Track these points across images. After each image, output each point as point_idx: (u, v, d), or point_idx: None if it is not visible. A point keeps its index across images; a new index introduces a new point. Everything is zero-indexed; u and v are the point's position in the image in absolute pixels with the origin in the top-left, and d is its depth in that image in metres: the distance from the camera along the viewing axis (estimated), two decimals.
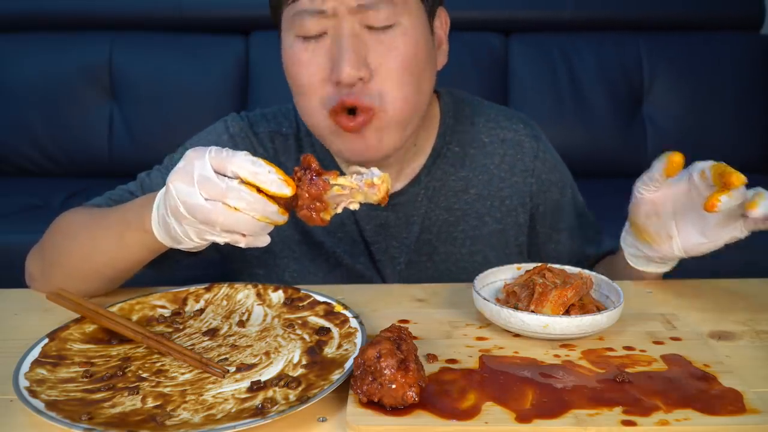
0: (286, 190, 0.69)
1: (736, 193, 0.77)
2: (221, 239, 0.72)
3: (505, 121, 1.08)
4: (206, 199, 0.69)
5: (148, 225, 0.79)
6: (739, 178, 0.76)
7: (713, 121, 2.41)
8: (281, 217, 0.71)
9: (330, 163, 1.02)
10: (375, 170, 0.72)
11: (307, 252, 1.05)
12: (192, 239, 0.74)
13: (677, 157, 0.81)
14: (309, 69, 0.89)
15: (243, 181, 0.69)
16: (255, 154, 1.04)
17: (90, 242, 0.88)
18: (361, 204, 0.73)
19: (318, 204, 0.71)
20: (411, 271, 1.05)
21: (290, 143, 1.06)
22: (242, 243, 0.73)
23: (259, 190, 0.69)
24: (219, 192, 0.68)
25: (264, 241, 0.74)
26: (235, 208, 0.69)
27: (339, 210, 0.74)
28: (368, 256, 1.05)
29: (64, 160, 2.40)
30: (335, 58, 0.87)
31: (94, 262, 0.88)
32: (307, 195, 0.71)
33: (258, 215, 0.70)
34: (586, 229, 1.13)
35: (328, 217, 0.72)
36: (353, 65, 0.86)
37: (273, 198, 0.69)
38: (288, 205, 0.71)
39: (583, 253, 1.11)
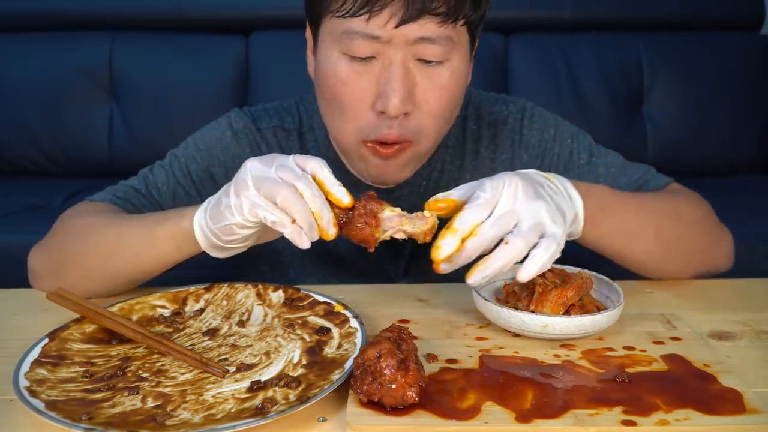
0: (346, 199, 0.75)
1: (458, 259, 0.74)
2: (271, 217, 0.74)
3: (488, 106, 1.09)
4: (278, 177, 0.74)
5: (186, 221, 0.82)
6: (434, 254, 0.74)
7: (713, 121, 2.41)
8: (331, 228, 0.75)
9: (331, 161, 1.02)
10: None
11: (311, 249, 1.05)
12: (242, 213, 0.75)
13: (430, 217, 0.77)
14: (354, 91, 0.87)
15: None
16: (259, 149, 1.04)
17: (116, 240, 0.88)
18: (406, 235, 0.76)
19: (372, 220, 0.76)
20: (414, 264, 1.05)
21: (293, 138, 1.06)
22: (287, 229, 0.74)
23: None
24: (293, 176, 0.74)
25: (304, 242, 0.75)
26: (301, 194, 0.73)
27: (386, 236, 0.77)
28: (372, 252, 1.05)
29: (64, 160, 2.39)
30: (383, 87, 0.85)
31: (117, 260, 0.88)
32: (363, 210, 0.76)
33: (315, 209, 0.74)
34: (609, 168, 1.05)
35: (378, 235, 0.76)
36: (402, 100, 0.85)
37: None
38: (340, 220, 0.76)
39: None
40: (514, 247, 0.72)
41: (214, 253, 0.83)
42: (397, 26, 0.82)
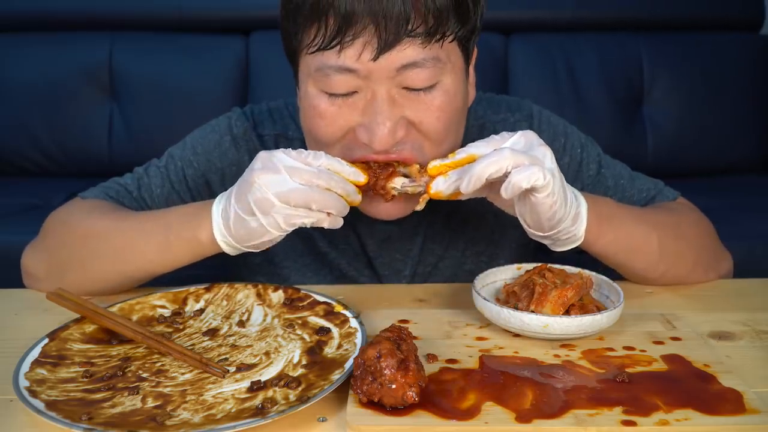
0: (361, 178, 0.79)
1: (452, 174, 0.77)
2: (309, 220, 0.76)
3: (493, 114, 1.05)
4: (299, 184, 0.74)
5: (204, 235, 0.81)
6: (429, 166, 0.79)
7: (713, 121, 2.41)
8: (357, 197, 0.79)
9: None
10: None
11: (311, 263, 1.04)
12: (279, 227, 0.77)
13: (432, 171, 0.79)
14: (333, 126, 0.83)
15: None
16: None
17: (127, 245, 0.87)
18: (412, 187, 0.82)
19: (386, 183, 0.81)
20: (416, 281, 1.04)
21: (296, 148, 1.04)
22: (326, 223, 0.77)
23: None
24: (312, 175, 0.74)
25: (339, 223, 0.78)
26: (327, 188, 0.75)
27: (397, 192, 0.82)
28: (371, 269, 1.04)
29: (64, 160, 2.39)
30: (368, 121, 0.80)
31: (128, 265, 0.88)
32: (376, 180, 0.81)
33: (342, 192, 0.77)
34: (618, 179, 1.04)
35: (391, 193, 0.82)
36: (390, 133, 0.80)
37: None
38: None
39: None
40: (500, 154, 0.71)
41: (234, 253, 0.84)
42: (375, 59, 0.77)
